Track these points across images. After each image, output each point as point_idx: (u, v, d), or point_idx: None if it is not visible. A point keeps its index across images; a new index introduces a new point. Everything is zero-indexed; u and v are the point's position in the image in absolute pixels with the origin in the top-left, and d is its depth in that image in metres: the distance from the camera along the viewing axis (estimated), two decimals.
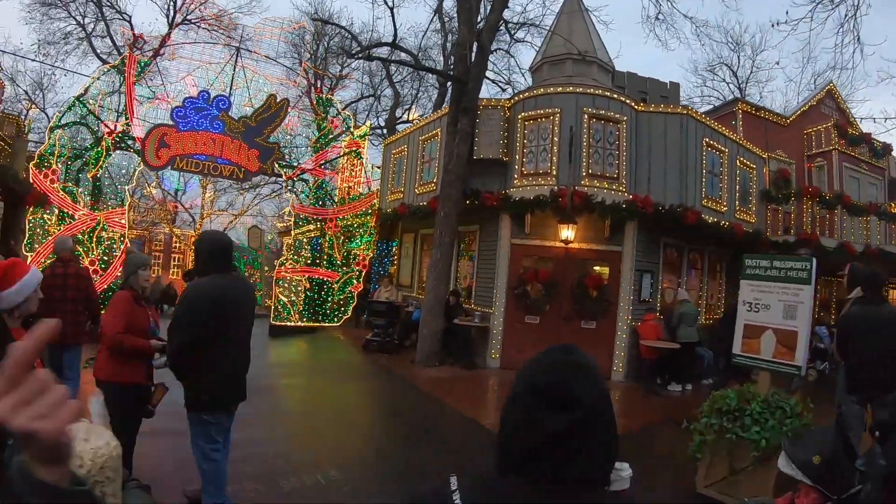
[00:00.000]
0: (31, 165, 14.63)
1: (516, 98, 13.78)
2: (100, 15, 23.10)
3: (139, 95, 15.93)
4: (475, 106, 13.02)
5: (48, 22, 24.27)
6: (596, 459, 1.30)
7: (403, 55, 17.16)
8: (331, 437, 7.60)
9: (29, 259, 13.10)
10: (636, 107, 13.35)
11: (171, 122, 15.62)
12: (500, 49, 16.92)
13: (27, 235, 14.36)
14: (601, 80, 14.00)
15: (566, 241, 12.31)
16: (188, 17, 22.94)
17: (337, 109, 17.81)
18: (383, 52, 15.98)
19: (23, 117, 21.34)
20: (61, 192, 14.63)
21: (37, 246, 14.07)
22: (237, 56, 17.10)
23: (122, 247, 15.23)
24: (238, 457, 6.16)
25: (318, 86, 18.74)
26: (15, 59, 29.45)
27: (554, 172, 12.65)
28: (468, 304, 13.90)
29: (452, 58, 15.04)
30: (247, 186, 35.30)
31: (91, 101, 15.30)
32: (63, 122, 15.14)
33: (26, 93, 27.59)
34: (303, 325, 16.58)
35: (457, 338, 12.83)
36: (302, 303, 17.01)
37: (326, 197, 17.39)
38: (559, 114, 12.78)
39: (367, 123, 24.40)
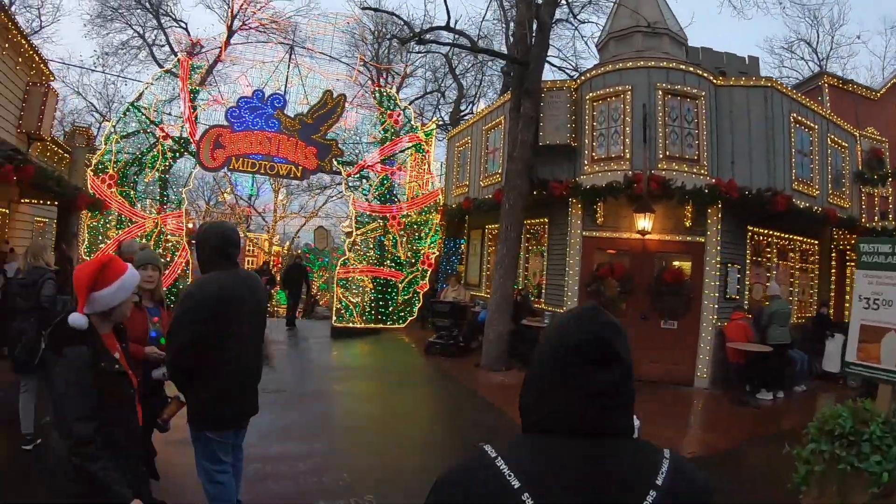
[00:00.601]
0: (88, 171, 14.71)
1: (582, 78, 12.69)
2: (157, 24, 23.15)
3: (193, 98, 15.68)
4: (538, 88, 12.00)
5: (108, 34, 24.76)
6: (629, 411, 1.40)
7: (460, 41, 16.14)
8: (373, 453, 6.85)
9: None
10: (714, 80, 12.03)
11: (225, 123, 15.37)
12: (562, 20, 15.78)
13: (86, 239, 14.46)
14: (674, 54, 12.73)
15: (643, 232, 11.17)
16: (247, 23, 22.73)
17: (396, 103, 17.07)
18: (439, 43, 15.05)
19: (94, 129, 21.44)
20: (119, 197, 14.64)
21: (95, 249, 14.06)
22: (291, 54, 16.62)
23: (181, 249, 14.98)
24: (267, 472, 5.81)
25: (380, 82, 18.04)
26: (81, 72, 29.94)
27: (627, 156, 11.51)
28: (538, 304, 12.91)
29: (513, 39, 14.09)
30: (317, 189, 35.72)
31: (146, 107, 15.24)
32: (118, 127, 15.15)
33: (93, 105, 27.94)
34: (366, 326, 15.91)
35: (525, 340, 11.82)
36: (365, 304, 16.37)
37: (389, 194, 16.68)
38: (630, 92, 11.63)
39: (434, 120, 23.82)
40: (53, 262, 7.19)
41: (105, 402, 2.65)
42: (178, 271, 14.99)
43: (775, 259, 12.74)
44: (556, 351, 1.38)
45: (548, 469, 1.29)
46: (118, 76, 24.54)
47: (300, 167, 15.56)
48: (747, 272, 11.95)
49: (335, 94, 15.78)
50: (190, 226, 30.58)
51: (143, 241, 14.45)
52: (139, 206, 15.03)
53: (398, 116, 16.74)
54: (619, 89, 11.78)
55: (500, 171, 14.02)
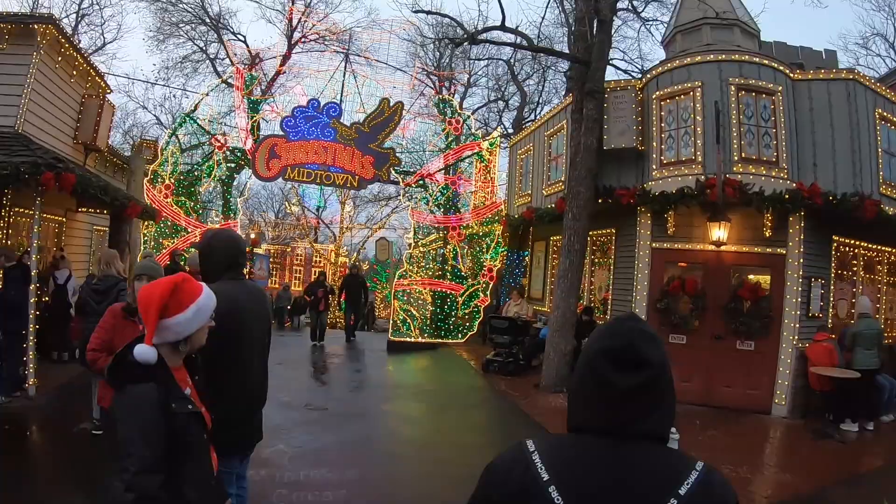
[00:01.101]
0: (145, 181, 14.81)
1: (648, 76, 11.77)
2: (217, 38, 23.29)
3: (252, 109, 15.52)
4: (601, 88, 11.17)
5: (169, 49, 25.19)
6: (663, 418, 1.43)
7: (517, 42, 15.36)
8: (409, 485, 6.22)
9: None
10: (791, 74, 10.91)
11: (280, 133, 15.13)
12: (623, 9, 14.88)
13: (140, 248, 14.48)
14: (745, 46, 11.62)
15: (717, 243, 10.20)
16: (306, 35, 22.59)
17: (456, 110, 16.50)
18: (494, 42, 14.33)
19: (160, 141, 21.74)
20: (174, 206, 14.67)
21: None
22: (347, 62, 16.29)
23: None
24: (290, 500, 5.44)
25: (441, 91, 17.54)
26: (146, 87, 30.52)
27: (699, 159, 10.55)
28: (603, 321, 12.07)
29: (573, 38, 13.33)
30: (383, 200, 35.59)
31: (202, 118, 15.26)
32: (174, 138, 15.23)
33: (157, 118, 28.45)
34: (423, 340, 15.33)
35: None
36: (423, 317, 15.81)
37: (450, 204, 16.11)
38: (700, 88, 10.67)
39: (497, 129, 23.24)
40: (124, 270, 7.66)
41: (175, 450, 2.22)
42: None
43: (861, 272, 11.46)
44: (590, 355, 1.48)
45: (575, 466, 1.39)
46: (182, 90, 24.86)
47: (357, 176, 15.16)
48: (831, 287, 10.77)
49: (392, 102, 15.31)
50: (253, 236, 31.10)
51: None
52: (194, 216, 14.98)
53: (458, 124, 16.19)
54: (688, 86, 10.85)
55: (563, 178, 13.25)
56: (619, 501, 1.32)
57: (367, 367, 13.46)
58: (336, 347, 15.07)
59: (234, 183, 16.44)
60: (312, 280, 17.51)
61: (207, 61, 23.93)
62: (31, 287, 8.83)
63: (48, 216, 12.93)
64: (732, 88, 10.53)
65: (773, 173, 10.34)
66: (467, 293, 15.77)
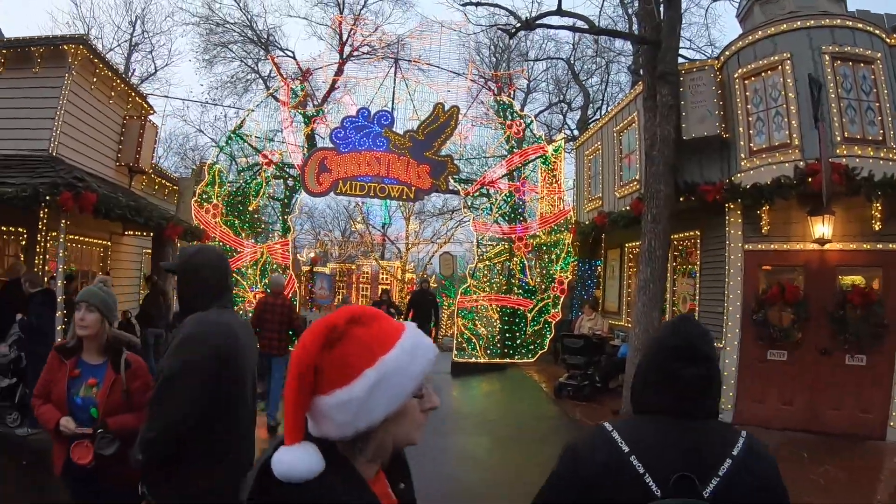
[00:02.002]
0: (193, 202, 14.28)
1: (727, 53, 10.33)
2: (265, 53, 22.88)
3: (297, 122, 14.84)
4: (675, 70, 9.80)
5: (218, 68, 25.41)
6: (715, 399, 1.84)
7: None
8: None
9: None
10: (888, 39, 9.36)
11: (330, 145, 14.34)
12: None
13: None
14: (833, 12, 10.04)
15: (821, 241, 8.71)
16: (358, 49, 21.86)
17: (516, 112, 15.34)
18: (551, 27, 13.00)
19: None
20: (223, 227, 14.05)
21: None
22: (396, 67, 15.37)
23: (287, 280, 13.97)
24: None
25: (497, 92, 16.42)
26: (202, 109, 30.61)
27: (796, 142, 9.06)
28: None
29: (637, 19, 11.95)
30: (448, 213, 34.79)
31: (248, 134, 14.67)
32: (221, 156, 14.71)
33: (214, 140, 28.48)
34: (490, 361, 14.14)
35: None
36: (490, 335, 14.62)
37: (514, 213, 14.94)
38: (789, 60, 9.21)
39: (561, 135, 21.95)
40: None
41: None
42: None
43: None
44: (658, 352, 1.85)
45: (649, 439, 1.73)
46: (233, 108, 24.63)
47: (413, 187, 14.18)
48: None
49: (447, 107, 14.26)
50: (312, 255, 30.63)
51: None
52: (243, 235, 14.36)
53: (519, 127, 15.02)
54: (774, 59, 9.38)
55: (637, 177, 11.91)
56: (689, 464, 1.63)
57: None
58: None
59: (294, 201, 15.69)
60: (376, 299, 16.20)
61: (259, 80, 23.57)
62: (58, 314, 8.38)
63: (92, 240, 12.75)
64: (826, 58, 9.05)
65: (882, 153, 8.84)
66: (537, 308, 14.51)
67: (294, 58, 21.22)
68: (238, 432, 2.80)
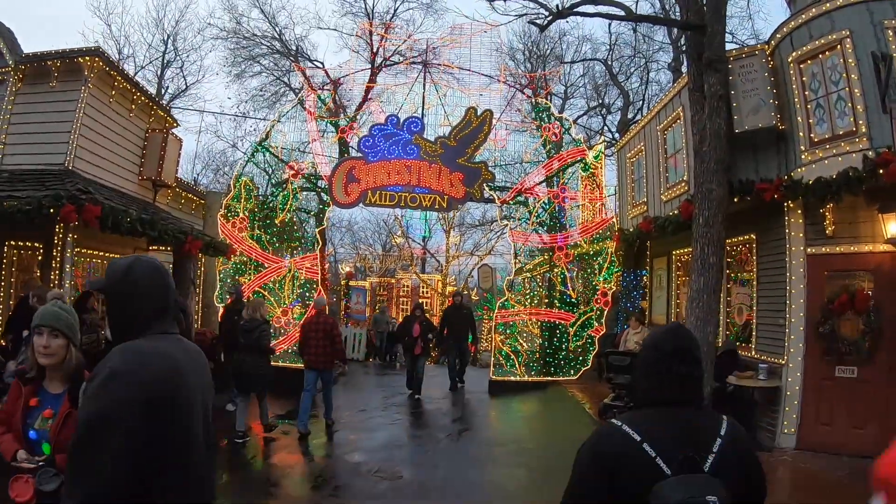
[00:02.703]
0: (219, 216, 13.94)
1: (778, 35, 9.32)
2: (294, 61, 22.52)
3: (325, 132, 14.34)
4: (723, 56, 8.85)
5: (247, 82, 25.21)
6: (703, 392, 2.23)
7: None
8: None
9: (220, 310, 12.62)
10: None
11: (358, 155, 13.79)
12: None
13: (218, 287, 13.68)
14: None
15: (894, 241, 7.74)
16: (389, 58, 21.26)
17: (553, 114, 14.54)
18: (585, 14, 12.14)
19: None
20: (249, 241, 13.67)
21: (227, 297, 12.98)
22: (425, 71, 14.72)
23: (316, 294, 13.40)
24: None
25: (533, 94, 15.55)
26: (235, 125, 30.51)
27: (863, 129, 7.97)
28: (745, 352, 9.63)
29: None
30: (487, 224, 34.14)
31: (275, 145, 14.29)
32: (247, 169, 14.31)
33: (245, 154, 28.41)
34: (530, 379, 13.28)
35: (731, 403, 8.65)
36: (528, 352, 13.78)
37: (554, 221, 14.11)
38: (849, 38, 8.14)
39: (601, 140, 21.00)
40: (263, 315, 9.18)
41: None
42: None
43: None
44: (658, 354, 2.15)
45: (656, 427, 2.01)
46: (261, 119, 24.33)
47: (446, 196, 13.47)
48: None
49: (480, 111, 13.54)
50: (348, 269, 30.07)
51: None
52: (270, 249, 13.91)
53: (557, 130, 14.21)
54: (832, 38, 8.33)
55: (685, 178, 10.99)
56: (690, 446, 1.94)
57: (463, 415, 11.56)
58: (434, 389, 13.25)
59: (323, 214, 15.12)
60: (408, 314, 15.19)
61: (290, 91, 23.13)
62: None
63: (114, 255, 12.21)
64: (890, 33, 7.90)
65: None
66: (579, 322, 13.63)
67: (323, 67, 20.60)
68: (188, 481, 2.15)
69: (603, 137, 23.42)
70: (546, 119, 14.40)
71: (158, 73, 25.95)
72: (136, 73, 25.09)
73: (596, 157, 14.28)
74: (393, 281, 39.94)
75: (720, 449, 1.98)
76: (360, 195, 13.54)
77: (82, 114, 10.57)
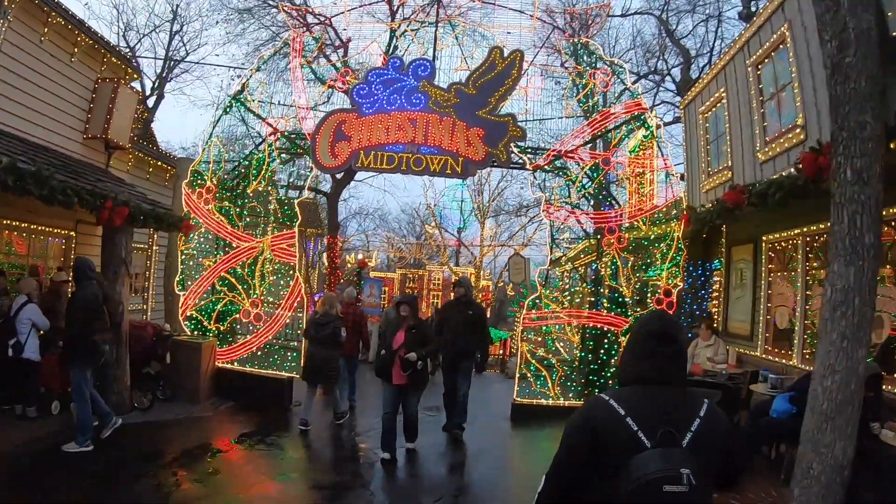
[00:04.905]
0: (183, 184, 11.21)
1: None
2: (304, 26, 19.50)
3: (309, 80, 11.51)
4: None
5: (246, 35, 23.54)
6: (683, 371, 2.33)
7: None
8: None
9: (181, 299, 10.86)
10: None
11: (350, 107, 10.70)
12: None
13: (180, 272, 11.04)
14: None
15: None
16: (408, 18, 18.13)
17: (600, 57, 11.16)
18: None
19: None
20: (217, 215, 10.88)
21: (189, 283, 10.91)
22: (439, 4, 11.56)
23: (294, 283, 10.42)
24: None
25: (574, 33, 12.07)
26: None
27: None
28: (888, 385, 6.24)
29: None
30: (524, 210, 31.39)
31: (250, 99, 11.30)
32: (219, 128, 11.34)
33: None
34: (567, 404, 9.94)
35: (875, 471, 5.30)
36: (566, 366, 10.48)
37: (601, 194, 10.79)
38: None
39: (653, 116, 17.29)
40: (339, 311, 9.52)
41: None
42: (288, 311, 10.69)
43: None
44: (643, 335, 2.25)
45: (639, 403, 2.13)
46: (239, 68, 21.85)
47: (460, 158, 10.26)
48: None
49: (506, 53, 10.26)
50: (360, 257, 27.14)
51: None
52: (240, 226, 11.02)
53: (606, 76, 10.85)
54: None
55: (798, 120, 7.59)
56: (670, 422, 2.05)
57: (470, 457, 8.26)
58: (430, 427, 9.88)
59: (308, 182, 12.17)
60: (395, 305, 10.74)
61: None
62: None
63: (50, 229, 10.59)
64: None
65: None
66: None
67: (331, 25, 16.54)
68: None
69: (655, 115, 19.82)
70: (591, 63, 11.05)
71: (166, 45, 24.41)
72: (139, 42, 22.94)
73: (646, 138, 10.80)
74: (423, 273, 36.92)
75: (698, 428, 2.09)
76: (350, 156, 10.44)
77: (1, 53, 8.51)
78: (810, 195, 6.36)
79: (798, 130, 7.65)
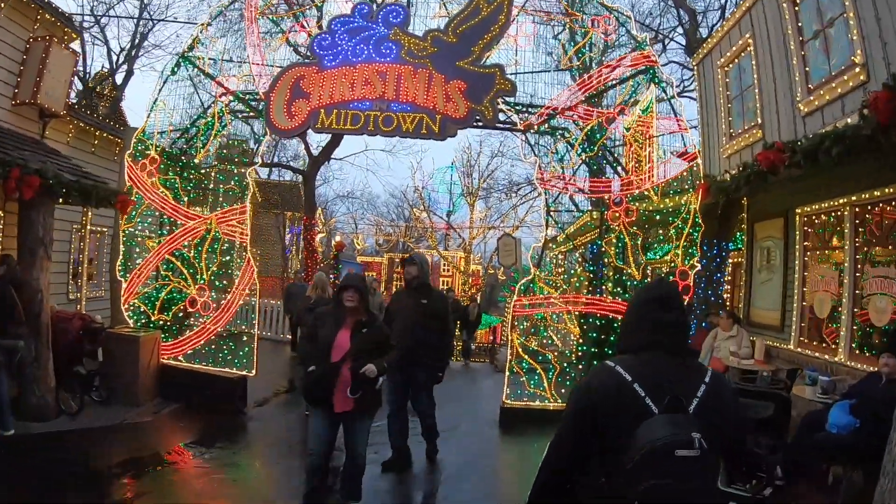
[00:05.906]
0: (126, 155, 9.83)
1: None
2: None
3: (265, 33, 9.91)
4: None
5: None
6: (687, 338, 2.31)
7: None
8: None
9: (124, 286, 9.43)
10: None
11: (310, 60, 9.33)
12: None
13: (121, 253, 9.60)
14: None
15: None
16: None
17: (601, 2, 9.58)
18: None
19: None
20: (161, 189, 9.43)
21: (131, 266, 9.53)
22: None
23: (245, 264, 9.08)
24: None
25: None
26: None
27: None
28: None
29: None
30: (517, 187, 29.96)
31: (200, 58, 9.87)
32: (165, 91, 9.86)
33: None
34: (564, 406, 8.40)
35: None
36: (563, 362, 9.03)
37: (605, 160, 9.38)
38: None
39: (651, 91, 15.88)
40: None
41: None
42: (239, 299, 9.26)
43: None
44: (645, 301, 2.24)
45: (646, 369, 2.08)
46: (188, 22, 20.18)
47: (438, 116, 8.71)
48: None
49: None
50: (338, 238, 25.66)
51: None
52: (185, 200, 9.69)
53: (609, 25, 9.32)
54: None
55: (856, 57, 6.07)
56: (677, 387, 2.01)
57: (448, 480, 6.61)
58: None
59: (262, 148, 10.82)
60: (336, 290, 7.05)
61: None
62: None
63: None
64: None
65: None
66: None
67: None
68: None
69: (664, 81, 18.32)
70: (592, 9, 9.53)
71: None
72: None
73: (644, 112, 9.30)
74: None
75: (703, 395, 2.06)
76: (309, 116, 8.89)
77: None
78: (881, 149, 4.88)
79: (857, 70, 6.10)
